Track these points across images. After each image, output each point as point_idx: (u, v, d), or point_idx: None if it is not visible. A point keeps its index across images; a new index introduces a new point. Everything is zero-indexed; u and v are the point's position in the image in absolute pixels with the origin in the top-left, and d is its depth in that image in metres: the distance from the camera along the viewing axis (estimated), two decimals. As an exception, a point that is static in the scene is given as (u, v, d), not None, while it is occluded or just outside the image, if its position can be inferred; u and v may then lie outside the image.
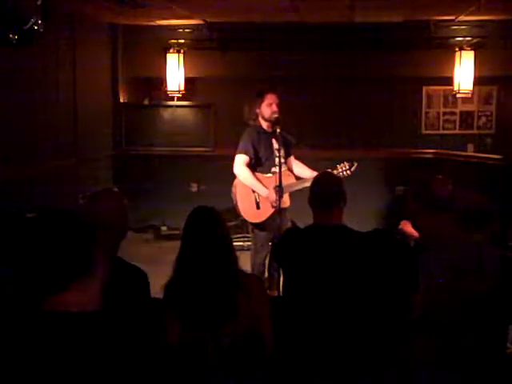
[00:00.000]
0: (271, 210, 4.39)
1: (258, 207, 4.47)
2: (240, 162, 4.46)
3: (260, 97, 4.53)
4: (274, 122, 4.44)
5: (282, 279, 3.05)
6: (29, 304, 1.49)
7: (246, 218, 4.54)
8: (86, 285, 1.50)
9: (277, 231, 4.11)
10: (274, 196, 4.30)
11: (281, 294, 3.55)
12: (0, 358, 1.43)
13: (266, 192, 4.37)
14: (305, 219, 2.89)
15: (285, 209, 4.44)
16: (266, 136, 4.51)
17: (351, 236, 2.71)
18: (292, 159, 4.75)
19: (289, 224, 4.56)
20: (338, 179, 2.98)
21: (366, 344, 2.56)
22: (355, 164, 4.47)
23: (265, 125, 4.54)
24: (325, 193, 2.76)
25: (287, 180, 4.47)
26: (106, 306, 1.56)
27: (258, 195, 4.45)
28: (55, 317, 1.45)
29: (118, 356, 1.47)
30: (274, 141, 4.45)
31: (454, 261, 2.31)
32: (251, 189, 4.47)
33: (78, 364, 1.41)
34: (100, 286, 1.54)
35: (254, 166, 4.49)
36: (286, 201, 4.51)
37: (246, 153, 4.45)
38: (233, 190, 4.56)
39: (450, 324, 2.30)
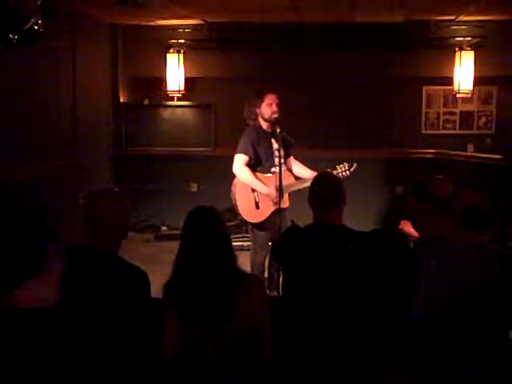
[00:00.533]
0: (270, 210, 4.39)
1: (257, 207, 4.47)
2: (239, 162, 4.46)
3: (260, 97, 4.53)
4: (273, 123, 4.45)
5: (281, 279, 3.04)
6: None
7: (245, 218, 4.54)
8: (41, 281, 1.49)
9: (276, 231, 4.11)
10: (274, 193, 4.30)
11: (280, 293, 3.54)
12: None
13: (267, 189, 4.37)
14: (305, 219, 2.89)
15: (284, 209, 4.44)
16: (265, 136, 4.51)
17: (351, 236, 2.72)
18: (292, 159, 4.75)
19: (288, 224, 4.57)
20: (337, 179, 2.99)
21: (365, 344, 2.56)
22: (354, 165, 4.47)
23: (264, 125, 4.55)
24: (325, 193, 2.77)
25: (287, 180, 4.48)
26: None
27: (258, 195, 4.45)
28: (8, 312, 1.44)
29: (76, 351, 1.45)
30: (273, 141, 4.46)
31: (454, 261, 2.31)
32: (251, 188, 4.47)
33: (31, 361, 1.39)
34: (56, 282, 1.53)
35: (254, 165, 4.49)
36: (286, 201, 4.51)
37: (245, 152, 4.45)
38: (232, 189, 4.56)
39: (450, 324, 2.30)
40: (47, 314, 1.47)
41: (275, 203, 4.30)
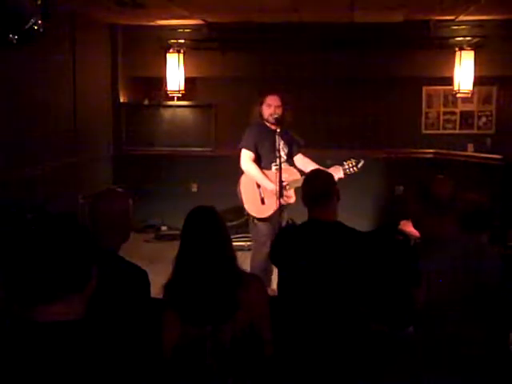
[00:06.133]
0: (275, 206, 4.40)
1: (262, 202, 4.51)
2: (246, 158, 4.52)
3: (261, 97, 4.59)
4: (273, 123, 4.48)
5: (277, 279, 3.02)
6: (15, 313, 1.44)
7: (251, 213, 4.56)
8: (75, 298, 1.45)
9: (276, 227, 4.16)
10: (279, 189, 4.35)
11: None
12: None
13: (273, 186, 4.40)
14: (305, 218, 2.89)
15: (289, 205, 4.50)
16: (269, 133, 4.52)
17: (347, 232, 2.72)
18: (299, 156, 4.78)
19: (289, 221, 4.62)
20: (329, 175, 2.99)
21: (365, 342, 2.56)
22: (362, 161, 4.44)
23: (267, 123, 4.58)
24: (317, 190, 2.77)
25: (292, 176, 4.54)
26: (96, 310, 1.52)
27: (263, 191, 4.48)
28: (38, 327, 1.40)
29: (105, 362, 1.42)
30: (277, 138, 4.47)
31: (454, 261, 2.31)
32: (256, 184, 4.51)
33: (61, 375, 1.35)
34: (87, 299, 1.49)
35: (256, 161, 4.55)
36: (292, 196, 4.53)
37: (248, 148, 4.51)
38: (238, 185, 4.60)
39: (450, 324, 2.30)
40: (76, 327, 1.44)
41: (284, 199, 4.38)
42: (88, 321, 1.47)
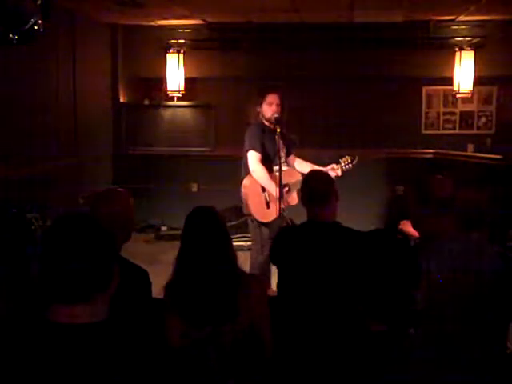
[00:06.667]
0: (278, 209, 4.39)
1: (268, 207, 4.48)
2: (254, 159, 4.44)
3: (261, 96, 4.54)
4: (274, 122, 4.46)
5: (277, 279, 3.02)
6: (37, 312, 1.45)
7: (256, 217, 4.53)
8: (99, 298, 1.46)
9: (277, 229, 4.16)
10: (284, 195, 4.37)
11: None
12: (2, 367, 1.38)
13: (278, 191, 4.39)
14: (304, 219, 2.89)
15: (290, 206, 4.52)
16: (270, 133, 4.49)
17: (346, 233, 2.73)
18: (294, 158, 4.77)
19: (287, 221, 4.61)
20: (327, 176, 3.01)
21: (364, 342, 2.56)
22: (356, 158, 4.59)
23: (267, 123, 4.55)
24: (316, 191, 2.78)
25: (294, 177, 4.53)
26: (112, 312, 1.52)
27: (268, 195, 4.46)
28: (60, 328, 1.40)
29: (123, 363, 1.42)
30: (276, 138, 4.46)
31: (453, 260, 2.31)
32: (261, 188, 4.47)
33: (82, 376, 1.36)
34: (109, 298, 1.50)
35: (262, 162, 4.50)
36: (295, 198, 4.53)
37: (256, 149, 4.44)
38: (242, 190, 4.53)
39: (450, 323, 2.30)
40: (100, 329, 1.44)
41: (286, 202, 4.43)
42: (112, 322, 1.47)
